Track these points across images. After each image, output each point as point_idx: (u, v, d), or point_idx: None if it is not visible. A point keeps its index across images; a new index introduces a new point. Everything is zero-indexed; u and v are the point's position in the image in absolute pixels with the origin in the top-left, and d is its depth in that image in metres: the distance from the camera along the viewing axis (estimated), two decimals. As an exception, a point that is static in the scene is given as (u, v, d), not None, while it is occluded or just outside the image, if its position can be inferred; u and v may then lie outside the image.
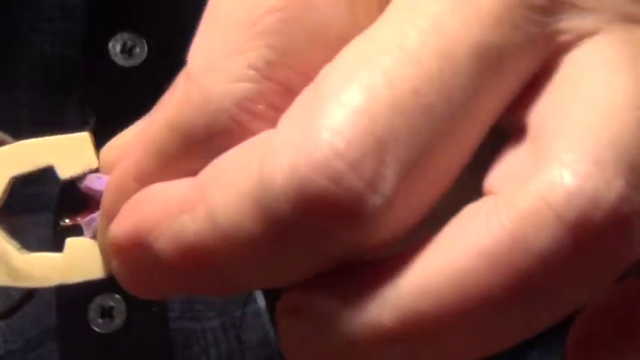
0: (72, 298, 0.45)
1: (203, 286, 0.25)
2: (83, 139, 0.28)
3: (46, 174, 0.28)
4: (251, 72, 0.23)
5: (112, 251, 0.26)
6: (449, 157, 0.22)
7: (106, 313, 0.46)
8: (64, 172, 0.28)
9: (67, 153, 0.28)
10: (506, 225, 0.21)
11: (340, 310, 0.23)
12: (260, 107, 0.23)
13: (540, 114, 0.23)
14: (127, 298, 0.46)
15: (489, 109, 0.23)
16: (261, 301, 0.46)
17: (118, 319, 0.46)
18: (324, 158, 0.21)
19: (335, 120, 0.22)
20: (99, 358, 0.46)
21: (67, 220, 0.29)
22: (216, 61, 0.24)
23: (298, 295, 0.24)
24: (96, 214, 0.28)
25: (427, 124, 0.22)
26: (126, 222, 0.25)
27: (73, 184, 0.28)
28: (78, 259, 0.28)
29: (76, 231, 0.28)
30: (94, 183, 0.28)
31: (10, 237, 0.28)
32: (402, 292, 0.22)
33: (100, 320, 0.46)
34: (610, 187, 0.21)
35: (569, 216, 0.21)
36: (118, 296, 0.46)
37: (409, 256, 0.22)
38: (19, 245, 0.28)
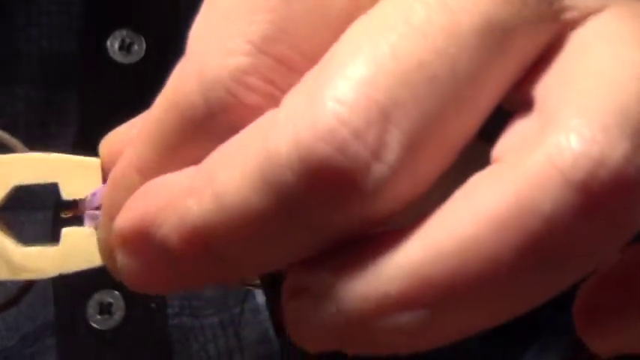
0: (70, 295, 0.46)
1: (207, 273, 0.25)
2: (93, 164, 0.28)
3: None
4: (247, 46, 0.23)
5: (116, 245, 0.25)
6: (454, 129, 0.22)
7: (105, 309, 0.46)
8: (68, 193, 0.28)
9: (74, 175, 0.28)
10: (513, 189, 0.21)
11: (343, 284, 0.23)
12: (255, 80, 0.23)
13: (547, 86, 0.23)
14: (126, 295, 0.46)
15: (495, 85, 0.23)
16: (260, 297, 0.46)
17: (117, 316, 0.46)
18: (329, 127, 0.22)
19: (339, 90, 0.22)
20: (97, 354, 0.46)
21: (69, 213, 0.29)
22: (214, 37, 0.24)
23: (298, 275, 0.24)
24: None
25: (432, 96, 0.22)
26: (130, 214, 0.25)
27: None
28: (76, 249, 0.28)
29: (76, 222, 0.28)
30: (93, 203, 0.28)
31: (7, 232, 0.28)
32: (409, 260, 0.22)
33: (99, 317, 0.46)
34: (615, 150, 0.21)
35: (576, 177, 0.21)
36: (116, 293, 0.46)
37: (414, 227, 0.22)
38: (15, 240, 0.28)
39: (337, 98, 0.22)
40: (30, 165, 0.28)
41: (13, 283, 0.29)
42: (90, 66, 0.46)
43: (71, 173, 0.28)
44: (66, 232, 0.28)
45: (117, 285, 0.46)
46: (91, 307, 0.46)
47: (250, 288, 0.46)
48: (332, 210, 0.22)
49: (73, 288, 0.46)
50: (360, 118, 0.22)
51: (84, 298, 0.46)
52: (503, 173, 0.22)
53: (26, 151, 0.28)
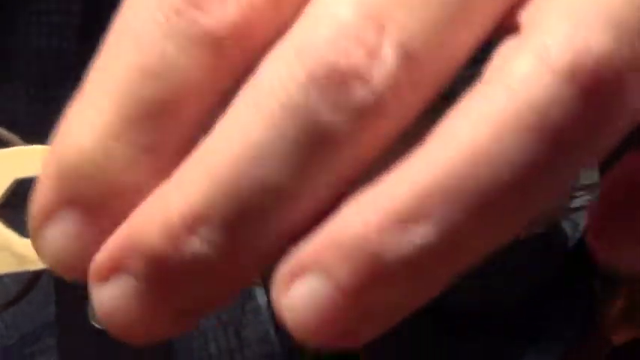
0: (71, 294, 0.46)
1: (210, 282, 0.23)
2: None
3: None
4: None
5: (94, 280, 0.24)
6: (449, 45, 0.23)
7: (105, 308, 0.46)
8: None
9: None
10: (506, 92, 0.22)
11: (347, 230, 0.22)
12: None
13: (533, 6, 0.23)
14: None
15: (489, 9, 0.23)
16: (261, 298, 0.47)
17: (117, 315, 0.46)
18: (329, 36, 0.22)
19: (335, 7, 0.22)
20: (98, 353, 0.46)
21: None
22: None
23: (291, 258, 0.23)
24: None
25: (423, 12, 0.22)
26: (109, 244, 0.24)
27: None
28: None
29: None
30: None
31: (10, 226, 0.28)
32: (416, 176, 0.22)
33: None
34: (600, 42, 0.22)
35: (564, 68, 0.22)
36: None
37: (410, 155, 0.22)
38: (19, 234, 0.28)
39: (332, 15, 0.22)
40: (29, 158, 0.28)
41: (13, 281, 0.29)
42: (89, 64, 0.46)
43: None
44: None
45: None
46: (91, 307, 0.46)
47: (250, 286, 0.47)
48: (346, 117, 0.22)
49: (74, 287, 0.45)
50: (357, 30, 0.22)
51: (85, 297, 0.45)
52: (493, 81, 0.22)
53: (24, 144, 0.28)
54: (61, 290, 0.46)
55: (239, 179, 0.22)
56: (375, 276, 0.22)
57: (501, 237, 0.23)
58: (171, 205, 0.23)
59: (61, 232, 0.24)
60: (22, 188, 0.28)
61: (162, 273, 0.23)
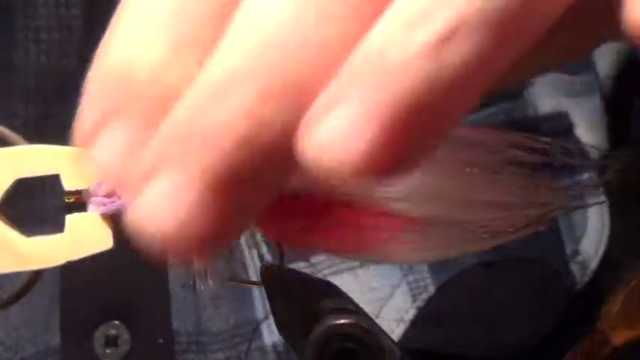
0: (76, 326, 0.46)
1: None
2: None
3: (44, 187, 0.28)
4: None
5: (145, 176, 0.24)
6: None
7: (111, 341, 0.46)
8: (69, 184, 0.28)
9: (75, 166, 0.28)
10: None
11: None
12: None
13: None
14: (131, 327, 0.46)
15: None
16: (267, 337, 0.46)
17: (122, 349, 0.46)
18: None
19: None
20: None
21: (72, 198, 0.29)
22: None
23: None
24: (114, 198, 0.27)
25: None
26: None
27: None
28: (82, 234, 0.28)
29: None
30: (97, 193, 0.28)
31: (11, 224, 0.28)
32: None
33: (106, 350, 0.46)
34: None
35: None
36: (122, 325, 0.46)
37: None
38: (19, 231, 0.28)
39: None
40: (31, 158, 0.28)
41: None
42: None
43: (73, 165, 0.28)
44: (70, 218, 0.28)
45: (122, 317, 0.46)
46: (97, 340, 0.46)
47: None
48: None
49: (79, 319, 0.46)
50: None
51: (90, 329, 0.46)
52: None
53: (25, 143, 0.28)
54: (66, 321, 0.46)
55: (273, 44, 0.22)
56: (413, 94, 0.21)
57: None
58: (212, 72, 0.23)
59: (114, 142, 0.24)
60: (24, 187, 0.28)
61: (209, 154, 0.22)
